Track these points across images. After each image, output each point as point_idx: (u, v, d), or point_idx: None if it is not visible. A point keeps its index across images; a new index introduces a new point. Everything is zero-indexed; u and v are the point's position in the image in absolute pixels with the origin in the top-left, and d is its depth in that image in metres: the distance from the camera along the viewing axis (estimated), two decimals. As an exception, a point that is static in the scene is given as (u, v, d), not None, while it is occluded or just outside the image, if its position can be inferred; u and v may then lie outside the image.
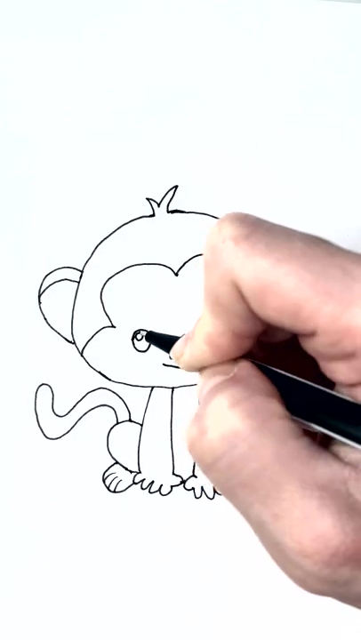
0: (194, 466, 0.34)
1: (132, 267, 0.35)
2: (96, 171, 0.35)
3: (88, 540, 0.34)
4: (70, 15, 0.36)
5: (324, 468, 0.19)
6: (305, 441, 0.20)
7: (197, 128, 0.36)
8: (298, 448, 0.19)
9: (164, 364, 0.34)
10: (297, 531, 0.18)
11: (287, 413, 0.21)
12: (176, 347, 0.26)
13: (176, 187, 0.35)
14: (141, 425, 0.34)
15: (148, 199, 0.35)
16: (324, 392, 0.21)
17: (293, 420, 0.21)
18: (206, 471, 0.21)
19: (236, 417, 0.20)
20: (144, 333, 0.34)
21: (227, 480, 0.20)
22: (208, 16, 0.36)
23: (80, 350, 0.35)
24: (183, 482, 0.34)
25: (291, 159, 0.36)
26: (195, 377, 0.34)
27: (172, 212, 0.35)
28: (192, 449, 0.21)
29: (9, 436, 0.34)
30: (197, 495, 0.34)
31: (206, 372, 0.24)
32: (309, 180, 0.36)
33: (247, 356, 0.24)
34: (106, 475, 0.34)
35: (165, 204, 0.35)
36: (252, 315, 0.21)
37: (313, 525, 0.18)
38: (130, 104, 0.36)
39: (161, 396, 0.34)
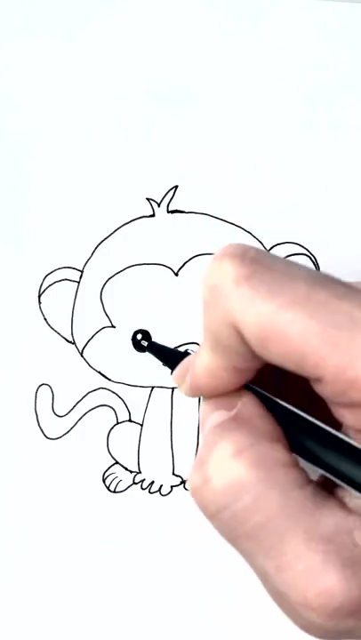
0: (194, 466, 0.34)
1: (132, 267, 0.35)
2: (96, 171, 0.35)
3: (88, 539, 0.34)
4: (70, 15, 0.36)
5: (329, 518, 0.18)
6: (309, 490, 0.19)
7: (197, 128, 0.36)
8: (302, 499, 0.19)
9: (164, 364, 0.34)
10: (301, 584, 0.18)
11: (292, 460, 0.20)
12: (177, 374, 0.25)
13: (176, 187, 0.35)
14: (141, 425, 0.34)
15: (148, 199, 0.35)
16: (330, 434, 0.21)
17: (298, 466, 0.20)
18: (210, 519, 0.21)
19: (241, 467, 0.19)
20: (140, 335, 0.34)
21: (230, 530, 0.20)
22: (208, 16, 0.36)
23: (80, 350, 0.35)
24: (183, 482, 0.34)
25: (291, 159, 0.36)
26: (195, 377, 0.34)
27: (172, 211, 0.35)
28: (195, 496, 0.21)
29: (9, 436, 0.34)
30: (197, 495, 0.34)
31: (208, 404, 0.23)
32: (310, 179, 0.36)
33: (253, 381, 0.23)
34: (106, 475, 0.34)
35: (165, 204, 0.35)
36: (255, 354, 0.20)
37: (317, 580, 0.18)
38: (130, 104, 0.36)
39: (161, 396, 0.34)
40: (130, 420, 0.34)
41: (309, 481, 0.20)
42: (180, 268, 0.35)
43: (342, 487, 0.20)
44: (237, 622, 0.33)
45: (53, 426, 0.34)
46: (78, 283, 0.35)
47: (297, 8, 0.36)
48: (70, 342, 0.35)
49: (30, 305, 0.35)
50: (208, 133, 0.36)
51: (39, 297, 0.35)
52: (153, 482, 0.34)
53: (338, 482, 0.20)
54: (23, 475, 0.34)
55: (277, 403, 0.22)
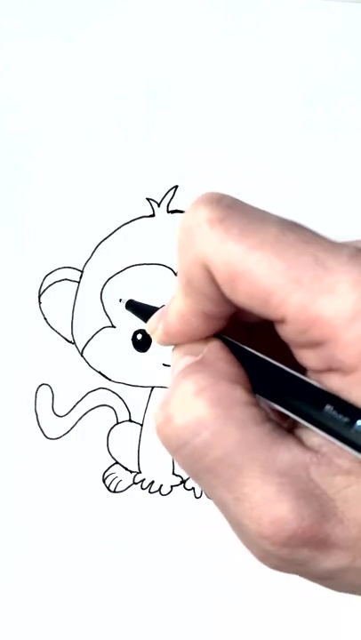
0: (194, 466, 0.34)
1: (132, 267, 0.35)
2: (96, 171, 0.35)
3: (88, 539, 0.34)
4: (70, 15, 0.36)
5: (286, 453, 0.19)
6: (268, 426, 0.20)
7: (197, 128, 0.36)
8: (260, 434, 0.20)
9: (163, 364, 0.34)
10: (256, 513, 0.19)
11: (252, 399, 0.21)
12: (151, 321, 0.26)
13: (176, 187, 0.35)
14: (141, 425, 0.34)
15: (148, 199, 0.35)
16: (291, 374, 0.22)
17: (258, 405, 0.21)
18: (172, 455, 0.22)
19: (200, 405, 0.20)
20: (125, 300, 0.34)
21: (191, 465, 0.21)
22: (208, 17, 0.36)
23: (80, 350, 0.35)
24: (183, 482, 0.34)
25: (291, 158, 0.36)
26: (195, 377, 0.34)
27: (172, 212, 0.35)
28: (159, 434, 0.22)
29: (9, 436, 0.34)
30: (197, 495, 0.34)
31: (178, 350, 0.24)
32: (310, 178, 0.36)
33: (223, 332, 0.24)
34: (106, 475, 0.34)
35: (165, 204, 0.35)
36: (224, 298, 0.21)
37: (271, 509, 0.19)
38: (130, 104, 0.36)
39: (161, 396, 0.34)
40: (130, 420, 0.34)
41: (268, 419, 0.21)
42: (180, 269, 0.35)
43: (301, 426, 0.21)
44: (237, 621, 0.33)
45: (53, 426, 0.34)
46: (78, 283, 0.35)
47: (297, 8, 0.36)
48: (70, 342, 0.35)
49: (30, 305, 0.35)
50: (208, 133, 0.36)
51: (39, 297, 0.35)
52: (153, 482, 0.34)
53: (298, 419, 0.21)
54: (23, 475, 0.34)
55: (242, 348, 0.23)
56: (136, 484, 0.34)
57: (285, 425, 0.21)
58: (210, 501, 0.34)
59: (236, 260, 0.20)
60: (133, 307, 0.31)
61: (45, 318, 0.35)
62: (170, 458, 0.34)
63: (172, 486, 0.34)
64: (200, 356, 0.23)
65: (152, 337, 0.27)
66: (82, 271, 0.35)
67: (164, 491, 0.34)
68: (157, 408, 0.22)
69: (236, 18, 0.36)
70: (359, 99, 0.36)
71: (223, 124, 0.36)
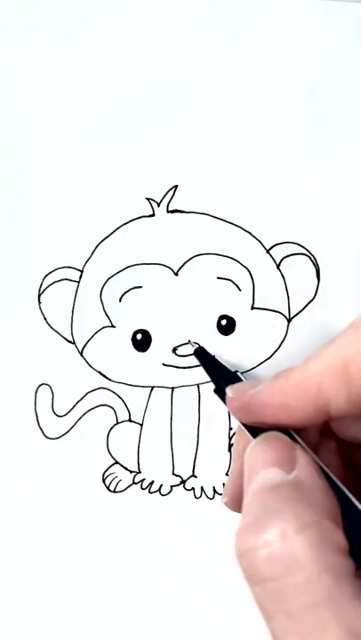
0: (194, 466, 0.34)
1: (132, 266, 0.35)
2: (96, 170, 0.35)
3: (88, 539, 0.34)
4: (70, 15, 0.36)
5: None
6: (357, 583, 0.19)
7: (197, 128, 0.36)
8: (351, 590, 0.18)
9: (163, 364, 0.34)
10: None
11: (347, 546, 0.20)
12: (240, 384, 0.25)
13: (176, 187, 0.35)
14: (141, 425, 0.34)
15: (147, 199, 0.35)
16: None
17: (350, 556, 0.20)
18: (252, 584, 0.20)
19: (301, 544, 0.19)
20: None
21: (272, 602, 0.19)
22: (207, 16, 0.36)
23: (80, 350, 0.35)
24: (183, 482, 0.34)
25: (291, 159, 0.36)
26: (195, 377, 0.34)
27: (172, 211, 0.35)
28: (244, 557, 0.20)
29: (9, 436, 0.34)
30: (197, 495, 0.34)
31: (263, 455, 0.22)
32: (310, 179, 0.36)
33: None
34: (106, 474, 0.34)
35: (165, 203, 0.35)
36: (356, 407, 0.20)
37: None
38: (130, 104, 0.36)
39: (161, 395, 0.34)
40: (130, 420, 0.34)
41: (358, 573, 0.19)
42: (180, 268, 0.35)
43: None
44: (237, 622, 0.33)
45: (53, 426, 0.34)
46: (78, 282, 0.35)
47: (297, 8, 0.36)
48: (70, 342, 0.35)
49: (30, 305, 0.35)
50: (208, 133, 0.36)
51: (39, 297, 0.35)
52: (153, 482, 0.34)
53: None
54: (23, 475, 0.34)
55: (331, 477, 0.22)
56: (136, 483, 0.34)
57: None
58: (210, 502, 0.34)
59: None
60: (203, 356, 0.31)
61: (45, 318, 0.35)
62: (170, 458, 0.34)
63: (171, 486, 0.34)
64: (293, 475, 0.21)
65: (230, 401, 0.25)
66: (81, 271, 0.35)
67: (163, 491, 0.34)
68: (246, 529, 0.20)
69: (236, 18, 0.36)
70: (359, 98, 0.36)
71: (223, 124, 0.36)
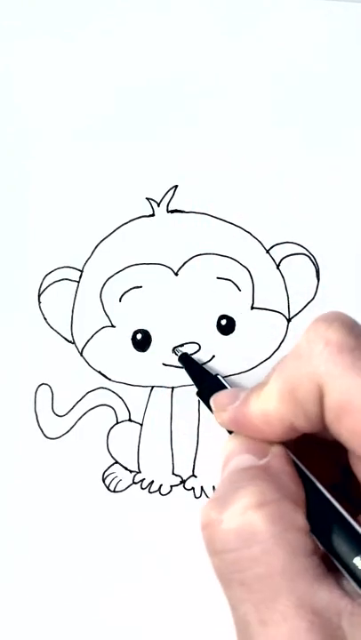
0: (193, 466, 0.34)
1: (132, 266, 0.35)
2: (96, 170, 0.35)
3: (87, 539, 0.34)
4: (70, 15, 0.36)
5: (325, 593, 0.19)
6: (314, 560, 0.20)
7: (197, 128, 0.36)
8: (306, 567, 0.19)
9: (163, 364, 0.34)
10: None
11: (306, 526, 0.20)
12: (220, 399, 0.26)
13: (176, 187, 0.35)
14: (141, 425, 0.34)
15: (147, 199, 0.35)
16: (342, 516, 0.21)
17: (309, 535, 0.20)
18: (211, 555, 0.21)
19: (259, 518, 0.20)
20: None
21: (228, 572, 0.20)
22: (207, 16, 0.36)
23: (80, 350, 0.35)
24: (183, 482, 0.34)
25: (291, 159, 0.36)
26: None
27: (172, 211, 0.35)
28: (206, 529, 0.21)
29: (9, 436, 0.34)
30: (197, 495, 0.34)
31: (238, 443, 0.24)
32: (310, 179, 0.36)
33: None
34: (106, 474, 0.34)
35: (165, 203, 0.35)
36: (321, 419, 0.21)
37: None
38: (130, 104, 0.36)
39: (161, 395, 0.34)
40: (130, 420, 0.34)
41: (316, 551, 0.20)
42: (180, 268, 0.35)
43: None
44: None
45: (53, 425, 0.34)
46: (78, 282, 0.35)
47: (297, 8, 0.36)
48: (70, 342, 0.35)
49: (30, 305, 0.35)
50: (208, 133, 0.36)
51: (39, 297, 0.35)
52: (153, 481, 0.34)
53: (341, 568, 0.20)
54: (23, 475, 0.34)
55: (302, 469, 0.23)
56: (136, 483, 0.34)
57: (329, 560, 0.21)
58: (205, 501, 0.33)
59: (354, 396, 0.19)
60: (186, 361, 0.32)
61: (45, 318, 0.35)
62: (170, 457, 0.34)
63: (171, 486, 0.34)
64: (264, 460, 0.22)
65: (215, 415, 0.26)
66: (81, 271, 0.35)
67: (163, 490, 0.34)
68: (211, 503, 0.21)
69: (236, 18, 0.36)
70: (359, 98, 0.36)
71: (223, 124, 0.36)
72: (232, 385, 0.33)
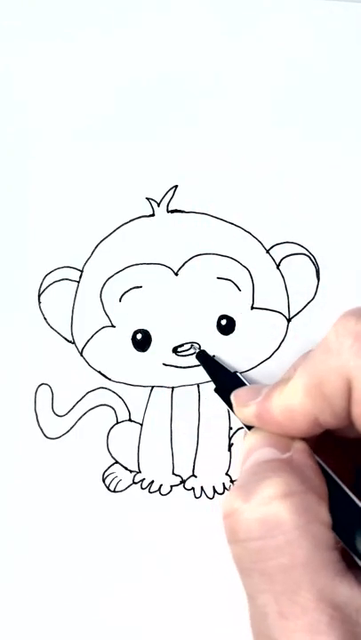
0: (194, 466, 0.34)
1: (132, 266, 0.35)
2: (95, 170, 0.35)
3: (88, 539, 0.34)
4: (70, 15, 0.36)
5: (345, 588, 0.19)
6: (336, 555, 0.20)
7: (197, 128, 0.36)
8: (328, 560, 0.19)
9: (163, 364, 0.34)
10: (299, 637, 0.18)
11: (330, 521, 0.20)
12: (242, 394, 0.26)
13: (176, 187, 0.35)
14: (141, 425, 0.34)
15: (147, 199, 0.35)
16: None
17: (332, 530, 0.20)
18: (232, 543, 0.21)
19: (285, 509, 0.20)
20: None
21: (250, 561, 0.20)
22: (207, 17, 0.36)
23: (80, 350, 0.35)
24: (183, 482, 0.34)
25: (291, 159, 0.36)
26: (195, 377, 0.34)
27: (172, 211, 0.35)
28: (229, 518, 0.21)
29: (9, 436, 0.34)
30: (197, 495, 0.34)
31: (260, 437, 0.23)
32: (310, 179, 0.36)
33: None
34: (106, 474, 0.34)
35: (165, 203, 0.35)
36: (348, 414, 0.21)
37: (317, 639, 0.18)
38: (130, 104, 0.36)
39: (161, 395, 0.34)
40: (130, 420, 0.34)
41: (337, 546, 0.20)
42: (180, 268, 0.35)
43: None
44: (237, 622, 0.33)
45: (53, 425, 0.34)
46: (78, 282, 0.35)
47: (297, 8, 0.36)
48: (70, 342, 0.35)
49: (30, 305, 0.35)
50: (208, 133, 0.36)
51: (39, 297, 0.35)
52: (153, 481, 0.34)
53: (357, 561, 0.20)
54: (23, 475, 0.34)
55: (325, 468, 0.23)
56: (136, 483, 0.34)
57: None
58: (210, 502, 0.34)
59: None
60: (204, 358, 0.32)
61: (45, 318, 0.35)
62: (170, 457, 0.34)
63: (171, 486, 0.34)
64: (287, 454, 0.22)
65: (236, 410, 0.26)
66: (81, 271, 0.35)
67: (163, 490, 0.34)
68: (234, 492, 0.21)
69: (236, 18, 0.36)
70: (359, 98, 0.36)
71: (223, 124, 0.36)
72: (250, 381, 0.33)
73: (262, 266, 0.35)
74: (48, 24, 0.36)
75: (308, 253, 0.35)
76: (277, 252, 0.35)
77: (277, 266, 0.35)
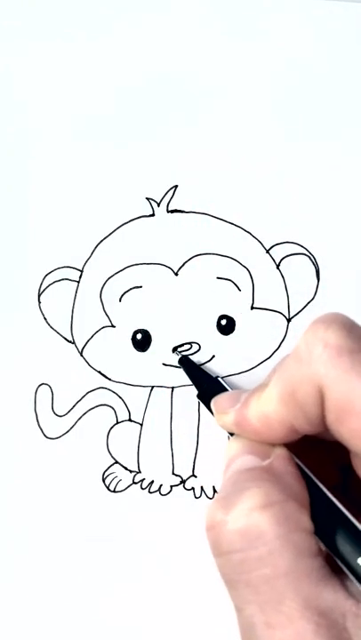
0: (193, 466, 0.34)
1: (132, 266, 0.35)
2: (95, 170, 0.35)
3: (88, 539, 0.34)
4: (70, 15, 0.36)
5: (330, 594, 0.19)
6: (319, 561, 0.20)
7: (197, 127, 0.36)
8: (311, 568, 0.19)
9: (163, 364, 0.34)
10: None
11: (311, 527, 0.21)
12: (221, 402, 0.26)
13: (176, 186, 0.35)
14: (141, 425, 0.34)
15: (147, 199, 0.35)
16: (346, 517, 0.21)
17: (314, 536, 0.21)
18: (216, 556, 0.21)
19: (265, 520, 0.20)
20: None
21: (235, 574, 0.20)
22: (207, 17, 0.36)
23: (80, 350, 0.35)
24: (183, 482, 0.34)
25: (291, 159, 0.36)
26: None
27: (172, 211, 0.35)
28: (211, 530, 0.21)
29: (9, 436, 0.34)
30: (197, 495, 0.34)
31: (240, 445, 0.24)
32: (310, 179, 0.36)
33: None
34: (105, 474, 0.34)
35: (165, 203, 0.35)
36: (322, 421, 0.21)
37: None
38: (130, 104, 0.36)
39: (161, 395, 0.34)
40: (130, 420, 0.34)
41: (320, 552, 0.20)
42: (180, 268, 0.35)
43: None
44: (236, 622, 0.33)
45: (53, 425, 0.34)
46: (78, 282, 0.35)
47: (297, 8, 0.36)
48: (70, 342, 0.35)
49: (30, 305, 0.35)
50: (208, 133, 0.36)
51: (39, 296, 0.35)
52: (153, 481, 0.34)
53: (345, 569, 0.20)
54: (23, 475, 0.34)
55: (306, 471, 0.23)
56: (136, 483, 0.34)
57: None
58: (209, 502, 0.34)
59: (355, 398, 0.19)
60: (186, 364, 0.32)
61: (45, 318, 0.35)
62: (170, 457, 0.34)
63: (171, 486, 0.34)
64: (267, 462, 0.22)
65: (216, 417, 0.26)
66: (81, 271, 0.35)
67: (163, 490, 0.34)
68: (215, 504, 0.21)
69: (236, 18, 0.36)
70: (359, 98, 0.36)
71: (223, 124, 0.36)
72: (232, 386, 0.33)
73: (262, 266, 0.35)
74: (48, 24, 0.36)
75: (308, 253, 0.35)
76: (277, 252, 0.35)
77: (277, 266, 0.35)
